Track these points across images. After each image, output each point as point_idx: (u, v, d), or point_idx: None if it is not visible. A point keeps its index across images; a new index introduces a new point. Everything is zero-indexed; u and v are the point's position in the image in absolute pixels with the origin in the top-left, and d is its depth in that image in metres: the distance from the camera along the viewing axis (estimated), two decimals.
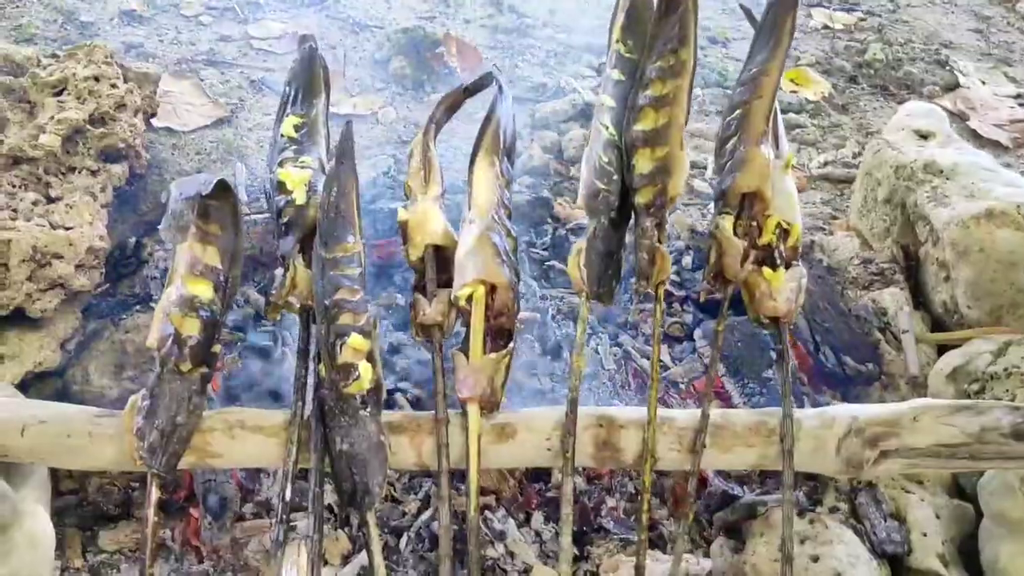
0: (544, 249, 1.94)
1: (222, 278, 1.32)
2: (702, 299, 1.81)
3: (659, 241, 1.34)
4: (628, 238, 1.41)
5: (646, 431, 1.28)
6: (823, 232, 2.19)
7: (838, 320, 1.78)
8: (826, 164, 2.53)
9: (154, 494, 1.20)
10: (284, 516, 1.22)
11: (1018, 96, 2.93)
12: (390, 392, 1.55)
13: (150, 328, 1.27)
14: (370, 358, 1.26)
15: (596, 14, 3.16)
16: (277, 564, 1.20)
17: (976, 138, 2.66)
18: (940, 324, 1.83)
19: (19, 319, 1.56)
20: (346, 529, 1.47)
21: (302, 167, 1.45)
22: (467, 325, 1.32)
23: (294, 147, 1.49)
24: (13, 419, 1.25)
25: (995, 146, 2.64)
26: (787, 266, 1.38)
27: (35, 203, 1.64)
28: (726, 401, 1.65)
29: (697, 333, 1.78)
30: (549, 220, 2.02)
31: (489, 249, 1.33)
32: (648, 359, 1.69)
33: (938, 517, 1.49)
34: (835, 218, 2.29)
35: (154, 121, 2.16)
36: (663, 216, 1.35)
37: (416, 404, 1.57)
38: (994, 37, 3.34)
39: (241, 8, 2.99)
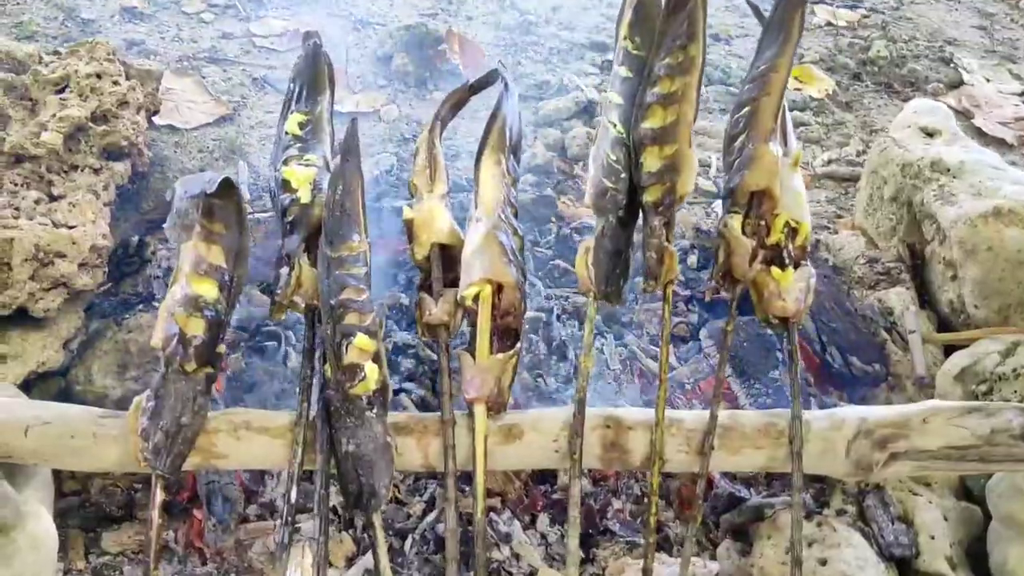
0: (548, 248, 1.93)
1: (227, 277, 1.31)
2: (708, 298, 1.80)
3: (667, 240, 1.33)
4: (635, 237, 1.40)
5: (654, 432, 1.27)
6: (828, 231, 2.17)
7: (844, 320, 1.77)
8: (830, 162, 2.52)
9: (158, 496, 1.19)
10: (289, 518, 1.22)
11: (1023, 93, 2.91)
12: (394, 392, 1.54)
13: (154, 328, 1.26)
14: (376, 359, 1.25)
15: (599, 11, 3.16)
16: (282, 566, 1.20)
17: (980, 136, 2.64)
18: (947, 324, 1.82)
19: (22, 319, 1.54)
20: (350, 531, 1.46)
21: (307, 165, 1.44)
22: (473, 325, 1.31)
23: (299, 145, 1.48)
24: (16, 420, 1.24)
25: (999, 144, 2.63)
26: (796, 265, 1.37)
27: (37, 201, 1.63)
28: (732, 402, 1.63)
29: (703, 333, 1.76)
30: (553, 219, 2.01)
31: (496, 248, 1.32)
32: (653, 359, 1.69)
33: (946, 520, 1.48)
34: (840, 217, 2.28)
35: (156, 119, 2.15)
36: (672, 215, 1.34)
37: (421, 405, 1.56)
38: (998, 34, 3.33)
39: (243, 5, 2.98)
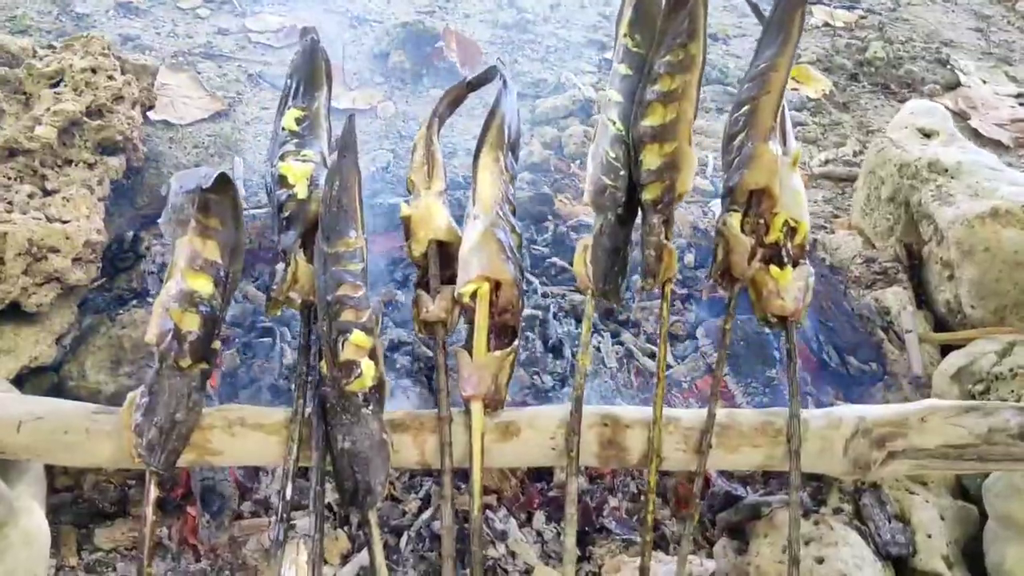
0: (545, 246, 1.92)
1: (222, 273, 1.30)
2: (705, 296, 1.80)
3: (666, 238, 1.32)
4: (634, 235, 1.40)
5: (652, 430, 1.27)
6: (825, 231, 2.17)
7: (841, 319, 1.77)
8: (827, 162, 2.52)
9: (152, 492, 1.18)
10: (285, 515, 1.21)
11: (1019, 95, 2.91)
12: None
13: (148, 323, 1.25)
14: (372, 355, 1.24)
15: (596, 9, 3.15)
16: (277, 563, 1.19)
17: (977, 137, 2.64)
18: (943, 324, 1.82)
19: (14, 313, 1.53)
20: (346, 528, 1.46)
21: (304, 161, 1.43)
22: (471, 322, 1.30)
23: (295, 140, 1.47)
24: (9, 415, 1.23)
25: (996, 145, 2.63)
26: (794, 264, 1.37)
27: (31, 196, 1.62)
28: (729, 400, 1.63)
29: (699, 332, 1.76)
30: (550, 217, 2.00)
31: (494, 245, 1.31)
32: (650, 357, 1.69)
33: (942, 519, 1.47)
34: (837, 216, 2.28)
35: (151, 114, 2.14)
36: (670, 213, 1.34)
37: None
38: (994, 36, 3.34)
39: (239, 1, 2.97)
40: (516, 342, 1.30)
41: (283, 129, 1.50)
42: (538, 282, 1.81)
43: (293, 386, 1.30)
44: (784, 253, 1.36)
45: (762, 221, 1.36)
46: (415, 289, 1.38)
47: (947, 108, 2.57)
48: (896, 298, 1.84)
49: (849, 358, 1.71)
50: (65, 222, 1.57)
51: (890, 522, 1.45)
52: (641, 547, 1.27)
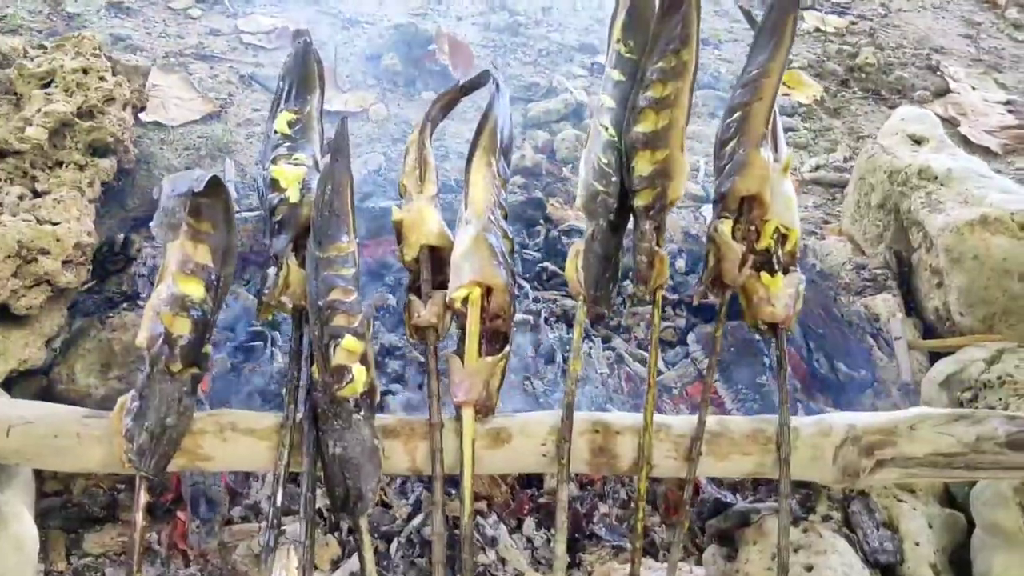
0: (537, 250, 1.92)
1: (213, 277, 1.30)
2: (696, 302, 1.80)
3: (658, 245, 1.33)
4: (625, 241, 1.40)
5: (642, 438, 1.27)
6: (816, 236, 2.18)
7: (831, 326, 1.77)
8: (818, 168, 2.53)
9: (143, 497, 1.18)
10: (275, 521, 1.21)
11: (1008, 102, 2.93)
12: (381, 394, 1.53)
13: (139, 327, 1.24)
14: (364, 360, 1.24)
15: (589, 13, 3.15)
16: (267, 569, 1.18)
17: (966, 144, 2.66)
18: (932, 331, 1.82)
19: (3, 316, 1.52)
20: (336, 534, 1.45)
21: (296, 164, 1.43)
22: (462, 327, 1.30)
23: (288, 144, 1.47)
24: None
25: (985, 152, 2.65)
26: (785, 271, 1.37)
27: (21, 197, 1.61)
28: (719, 407, 1.64)
29: (690, 337, 1.77)
30: (542, 221, 2.00)
31: (486, 251, 1.31)
32: (641, 363, 1.69)
33: (930, 526, 1.48)
34: (827, 222, 2.29)
35: (142, 115, 2.13)
36: (662, 219, 1.34)
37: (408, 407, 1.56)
38: (984, 43, 3.35)
39: (231, 2, 2.96)
40: (507, 348, 1.30)
41: (275, 132, 1.49)
42: (529, 287, 1.81)
43: (284, 391, 1.30)
44: (775, 260, 1.37)
45: (753, 228, 1.37)
46: (407, 294, 1.37)
47: (937, 115, 2.58)
48: (885, 305, 1.84)
49: (839, 365, 1.72)
50: (55, 224, 1.56)
51: (878, 530, 1.45)
52: (631, 554, 1.27)
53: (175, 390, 1.21)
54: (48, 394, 1.54)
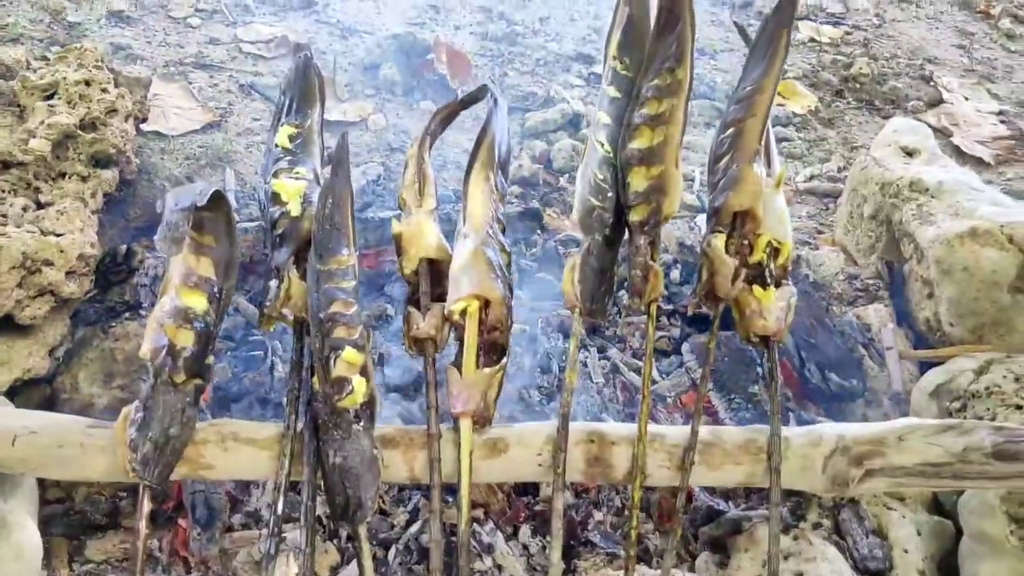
0: (533, 260, 1.95)
1: (216, 289, 1.32)
2: (690, 313, 1.82)
3: (652, 259, 1.35)
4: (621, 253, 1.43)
5: (636, 448, 1.30)
6: (809, 246, 2.21)
7: (823, 336, 1.80)
8: (812, 178, 2.55)
9: (146, 506, 1.20)
10: (276, 528, 1.23)
11: (1000, 113, 2.96)
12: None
13: (143, 338, 1.27)
14: (364, 372, 1.26)
15: (586, 23, 3.18)
16: None
17: (959, 154, 2.69)
18: (923, 341, 1.85)
19: (8, 326, 1.55)
20: (335, 541, 1.47)
21: (297, 178, 1.46)
22: (460, 340, 1.33)
23: (289, 158, 1.50)
24: (4, 429, 1.25)
25: (977, 162, 2.67)
26: (777, 284, 1.40)
27: (25, 209, 1.63)
28: (713, 416, 1.66)
29: (685, 347, 1.79)
30: (538, 231, 2.03)
31: (484, 264, 1.34)
32: (636, 372, 1.71)
33: (919, 534, 1.51)
34: (820, 232, 2.31)
35: (142, 125, 2.15)
36: (657, 234, 1.37)
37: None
38: (977, 53, 3.38)
39: (230, 11, 2.98)
40: (504, 359, 1.33)
41: (276, 146, 1.52)
42: (526, 297, 1.83)
43: (285, 401, 1.32)
44: (767, 274, 1.39)
45: (746, 242, 1.39)
46: (406, 306, 1.40)
47: (930, 125, 2.62)
48: (877, 315, 1.87)
49: (830, 375, 1.74)
50: (59, 235, 1.59)
51: (868, 537, 1.48)
52: (625, 560, 1.30)
53: (178, 401, 1.23)
54: (51, 403, 1.56)
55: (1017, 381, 1.57)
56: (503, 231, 1.43)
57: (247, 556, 1.44)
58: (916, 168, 1.99)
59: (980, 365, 1.65)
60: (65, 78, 1.83)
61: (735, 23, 1.79)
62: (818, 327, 1.81)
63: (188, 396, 1.24)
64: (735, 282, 1.36)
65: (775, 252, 1.41)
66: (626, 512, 1.53)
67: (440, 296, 1.38)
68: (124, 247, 1.78)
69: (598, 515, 1.55)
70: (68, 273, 1.58)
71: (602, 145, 1.44)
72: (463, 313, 1.32)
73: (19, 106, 1.82)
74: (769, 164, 1.50)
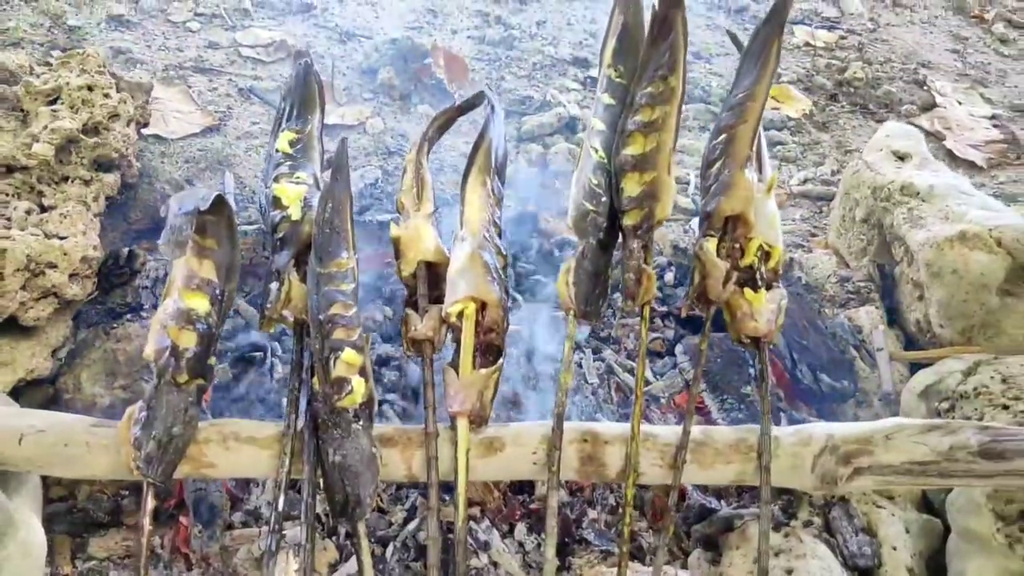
0: (529, 263, 1.97)
1: (218, 292, 1.34)
2: (684, 315, 1.85)
3: (645, 262, 1.38)
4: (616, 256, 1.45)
5: (629, 447, 1.32)
6: (802, 249, 2.23)
7: (815, 338, 1.82)
8: (806, 181, 2.58)
9: (150, 503, 1.22)
10: (277, 526, 1.25)
11: (993, 117, 2.99)
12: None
13: (146, 339, 1.29)
14: (363, 372, 1.29)
15: (583, 27, 3.21)
16: (269, 573, 1.23)
17: (952, 158, 2.72)
18: (914, 342, 1.88)
19: (11, 327, 1.57)
20: (333, 539, 1.50)
21: (297, 183, 1.48)
22: (458, 341, 1.36)
23: (289, 162, 1.52)
24: (11, 428, 1.28)
25: (970, 166, 2.71)
26: (768, 287, 1.43)
27: (28, 212, 1.66)
28: (706, 416, 1.69)
29: (678, 349, 1.82)
30: (534, 234, 2.05)
31: (480, 267, 1.37)
32: (630, 373, 1.74)
33: (908, 532, 1.53)
34: (814, 235, 2.34)
35: (143, 129, 2.17)
36: (650, 238, 1.40)
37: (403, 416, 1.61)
38: (971, 58, 3.42)
39: (229, 15, 3.00)
40: (501, 360, 1.35)
41: (277, 151, 1.55)
42: (522, 299, 1.86)
43: (285, 401, 1.35)
44: (758, 277, 1.42)
45: (737, 246, 1.42)
46: (404, 308, 1.42)
47: (923, 129, 2.65)
48: (868, 317, 1.90)
49: (822, 376, 1.77)
50: (63, 238, 1.61)
51: (857, 535, 1.50)
52: (618, 557, 1.32)
53: (181, 401, 1.26)
54: (54, 403, 1.59)
55: (1004, 382, 1.60)
56: (499, 234, 1.46)
57: (247, 553, 1.46)
58: (907, 172, 2.02)
59: (968, 366, 1.68)
60: (68, 83, 1.85)
61: (727, 31, 1.82)
62: (810, 329, 1.84)
63: (191, 396, 1.27)
64: (727, 285, 1.39)
65: (766, 255, 1.44)
66: (620, 510, 1.55)
67: (438, 298, 1.41)
68: (126, 250, 1.80)
69: (592, 513, 1.57)
70: (71, 275, 1.61)
71: (596, 151, 1.46)
72: (460, 315, 1.35)
73: (23, 111, 1.84)
74: (760, 169, 1.52)
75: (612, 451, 1.34)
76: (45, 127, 1.76)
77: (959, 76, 3.27)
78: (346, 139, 1.46)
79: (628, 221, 1.39)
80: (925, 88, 3.11)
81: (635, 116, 1.42)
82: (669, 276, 1.97)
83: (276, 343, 1.72)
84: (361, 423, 1.27)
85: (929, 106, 3.01)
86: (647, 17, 1.48)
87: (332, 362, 1.27)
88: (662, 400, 1.73)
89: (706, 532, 1.54)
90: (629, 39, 1.54)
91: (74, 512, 1.53)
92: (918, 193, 1.93)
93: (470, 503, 1.52)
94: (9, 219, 1.63)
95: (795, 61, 3.23)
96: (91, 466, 1.29)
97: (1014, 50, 3.51)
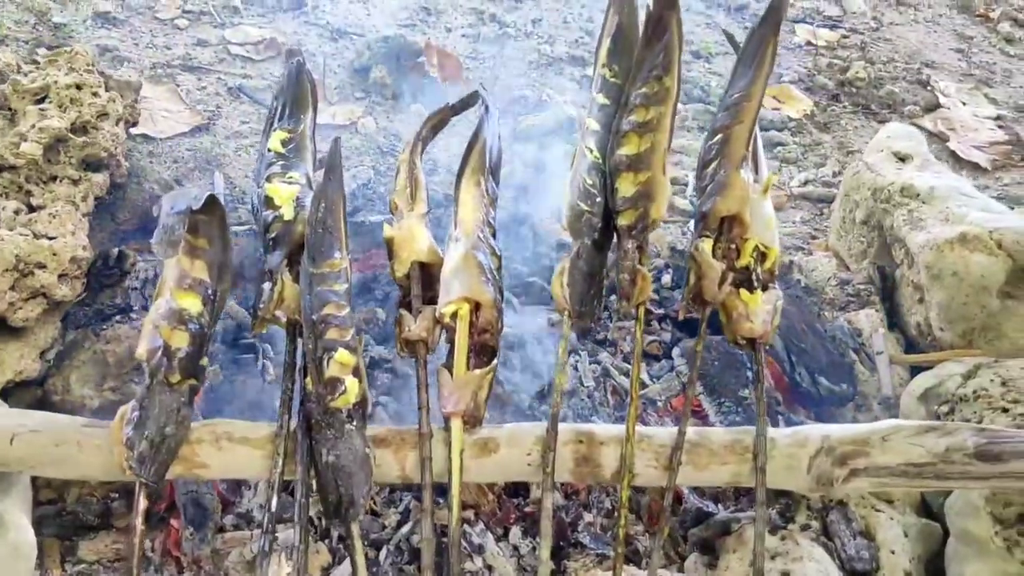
0: (524, 264, 1.96)
1: (210, 292, 1.33)
2: (680, 317, 1.83)
3: (640, 263, 1.37)
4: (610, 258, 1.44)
5: (624, 448, 1.31)
6: (803, 252, 2.22)
7: (814, 341, 1.81)
8: (806, 183, 2.56)
9: (142, 503, 1.21)
10: (270, 527, 1.24)
11: (998, 118, 2.96)
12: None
13: (137, 340, 1.28)
14: (356, 372, 1.28)
15: (579, 25, 3.19)
16: (263, 575, 1.22)
17: (955, 159, 2.70)
18: (914, 345, 1.86)
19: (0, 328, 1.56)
20: (326, 541, 1.48)
21: (290, 183, 1.47)
22: (451, 342, 1.34)
23: (281, 162, 1.51)
24: (2, 428, 1.27)
25: (974, 167, 2.68)
26: (764, 288, 1.42)
27: (17, 212, 1.64)
28: (703, 419, 1.67)
29: (675, 351, 1.81)
30: (530, 235, 2.04)
31: (474, 268, 1.35)
32: (626, 376, 1.73)
33: (906, 535, 1.52)
34: (814, 238, 2.32)
35: (131, 128, 2.14)
36: (645, 239, 1.38)
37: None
38: (975, 57, 3.38)
39: (218, 12, 2.96)
40: (495, 361, 1.34)
41: (269, 151, 1.53)
42: (516, 301, 1.85)
43: (277, 402, 1.33)
44: (754, 278, 1.41)
45: (733, 247, 1.41)
46: (397, 309, 1.41)
47: (926, 130, 2.63)
48: (868, 320, 1.88)
49: (820, 379, 1.75)
50: (52, 238, 1.60)
51: (855, 538, 1.49)
52: (613, 561, 1.31)
53: (174, 401, 1.24)
54: (43, 405, 1.57)
55: (1004, 385, 1.59)
56: (494, 235, 1.44)
57: (239, 556, 1.45)
58: (908, 173, 2.00)
59: (968, 369, 1.67)
60: (56, 82, 1.84)
61: (724, 31, 1.80)
62: (809, 332, 1.82)
63: (183, 396, 1.25)
64: (722, 286, 1.37)
65: (762, 256, 1.43)
66: (615, 513, 1.54)
67: (431, 299, 1.39)
68: (116, 250, 1.78)
69: (588, 517, 1.56)
70: (60, 276, 1.59)
71: (591, 151, 1.45)
72: (454, 315, 1.34)
73: (10, 109, 1.83)
74: (756, 170, 1.51)
75: (607, 452, 1.32)
76: (33, 126, 1.74)
77: (963, 76, 3.24)
78: (339, 139, 1.45)
79: (623, 221, 1.38)
80: (929, 88, 3.08)
81: (630, 116, 1.41)
82: (666, 278, 1.96)
83: (268, 344, 1.70)
84: (354, 423, 1.26)
85: (933, 107, 2.97)
86: (642, 17, 1.46)
87: (325, 362, 1.26)
88: (659, 403, 1.72)
89: (703, 536, 1.53)
90: (624, 39, 1.53)
91: (63, 515, 1.51)
92: (918, 195, 1.92)
93: (465, 505, 1.51)
94: None
95: (796, 60, 3.20)
96: (83, 466, 1.28)
97: (1020, 50, 3.48)
